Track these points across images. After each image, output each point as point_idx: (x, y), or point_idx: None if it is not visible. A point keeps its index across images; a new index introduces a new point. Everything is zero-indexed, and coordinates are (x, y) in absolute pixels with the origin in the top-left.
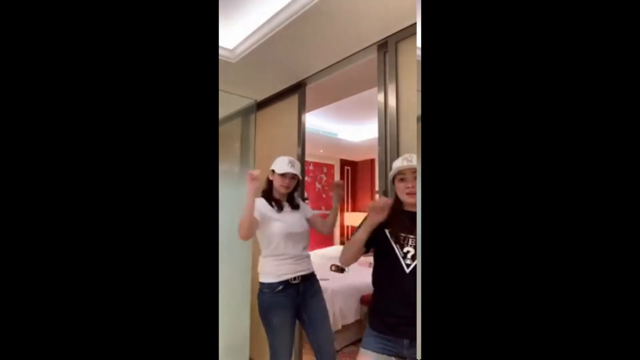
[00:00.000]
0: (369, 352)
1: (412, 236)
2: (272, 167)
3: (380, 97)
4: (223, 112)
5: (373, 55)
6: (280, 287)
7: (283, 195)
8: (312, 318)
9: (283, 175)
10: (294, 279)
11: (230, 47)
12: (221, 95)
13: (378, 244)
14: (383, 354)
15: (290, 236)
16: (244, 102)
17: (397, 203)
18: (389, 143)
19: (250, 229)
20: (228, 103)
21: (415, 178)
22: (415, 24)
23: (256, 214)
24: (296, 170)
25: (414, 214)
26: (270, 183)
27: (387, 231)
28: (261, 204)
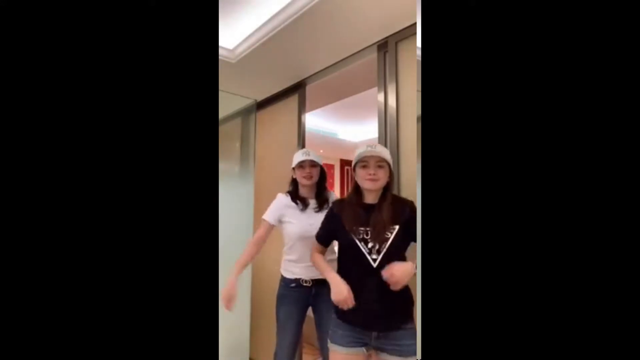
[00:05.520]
0: (338, 347)
1: (369, 228)
2: (292, 165)
3: (380, 97)
4: (223, 112)
5: (373, 55)
6: (293, 285)
7: (309, 189)
8: (320, 324)
9: (301, 166)
10: (305, 281)
11: (230, 47)
12: (221, 95)
13: (340, 241)
14: (353, 347)
15: (304, 239)
16: (244, 102)
17: (356, 196)
18: (389, 143)
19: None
20: (228, 103)
21: (379, 167)
22: (415, 24)
23: (275, 214)
24: (313, 157)
25: (371, 206)
26: (295, 182)
27: (351, 227)
28: (283, 202)
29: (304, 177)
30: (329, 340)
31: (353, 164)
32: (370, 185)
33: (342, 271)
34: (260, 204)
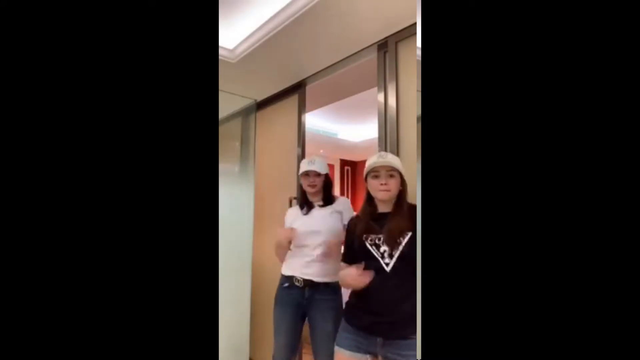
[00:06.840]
0: (343, 350)
1: (382, 235)
2: (299, 173)
3: (380, 97)
4: (223, 112)
5: (373, 55)
6: (286, 285)
7: (314, 195)
8: (314, 335)
9: (305, 175)
10: (298, 280)
11: (230, 47)
12: (221, 95)
13: (357, 250)
14: (357, 352)
15: (306, 235)
16: (244, 102)
17: (370, 206)
18: (389, 143)
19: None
20: (228, 103)
21: (390, 176)
22: (415, 24)
23: (286, 224)
24: (317, 167)
25: (385, 214)
26: (302, 189)
27: (363, 236)
28: (292, 211)
29: (309, 185)
30: (335, 344)
31: (364, 174)
32: (383, 195)
33: None
34: (260, 204)
